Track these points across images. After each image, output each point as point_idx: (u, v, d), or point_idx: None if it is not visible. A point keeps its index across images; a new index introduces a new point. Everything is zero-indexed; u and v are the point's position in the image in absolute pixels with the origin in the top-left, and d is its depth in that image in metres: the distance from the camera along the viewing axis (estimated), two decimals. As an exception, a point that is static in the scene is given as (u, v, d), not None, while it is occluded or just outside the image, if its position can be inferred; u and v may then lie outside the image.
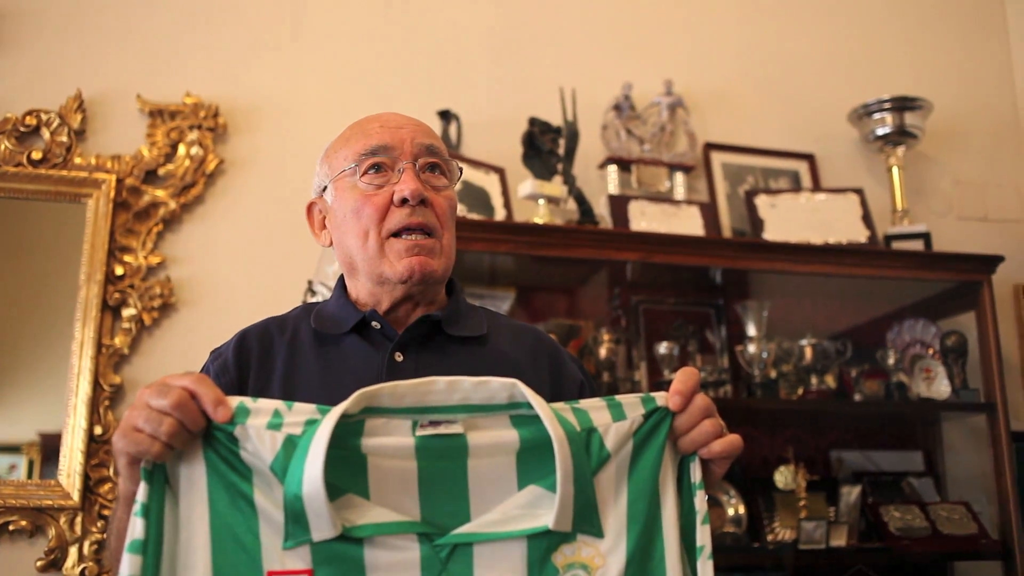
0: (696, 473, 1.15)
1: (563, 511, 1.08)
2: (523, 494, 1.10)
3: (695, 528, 1.13)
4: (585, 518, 1.10)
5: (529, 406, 1.11)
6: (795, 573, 2.96)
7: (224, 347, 1.44)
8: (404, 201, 1.40)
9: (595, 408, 1.14)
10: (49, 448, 2.71)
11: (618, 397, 1.16)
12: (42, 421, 2.75)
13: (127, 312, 2.82)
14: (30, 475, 2.71)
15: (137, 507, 1.04)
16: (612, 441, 1.13)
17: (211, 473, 1.07)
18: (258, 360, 1.41)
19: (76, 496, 2.66)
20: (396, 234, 1.42)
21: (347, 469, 1.07)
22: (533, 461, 1.11)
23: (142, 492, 1.04)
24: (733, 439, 1.16)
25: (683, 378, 1.16)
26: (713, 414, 1.16)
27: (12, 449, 2.74)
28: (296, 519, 1.05)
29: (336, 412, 1.06)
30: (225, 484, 1.07)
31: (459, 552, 1.08)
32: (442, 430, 1.10)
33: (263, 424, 1.07)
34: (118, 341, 2.79)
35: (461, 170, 1.56)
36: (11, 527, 2.63)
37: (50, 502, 2.66)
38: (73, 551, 2.64)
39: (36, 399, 2.79)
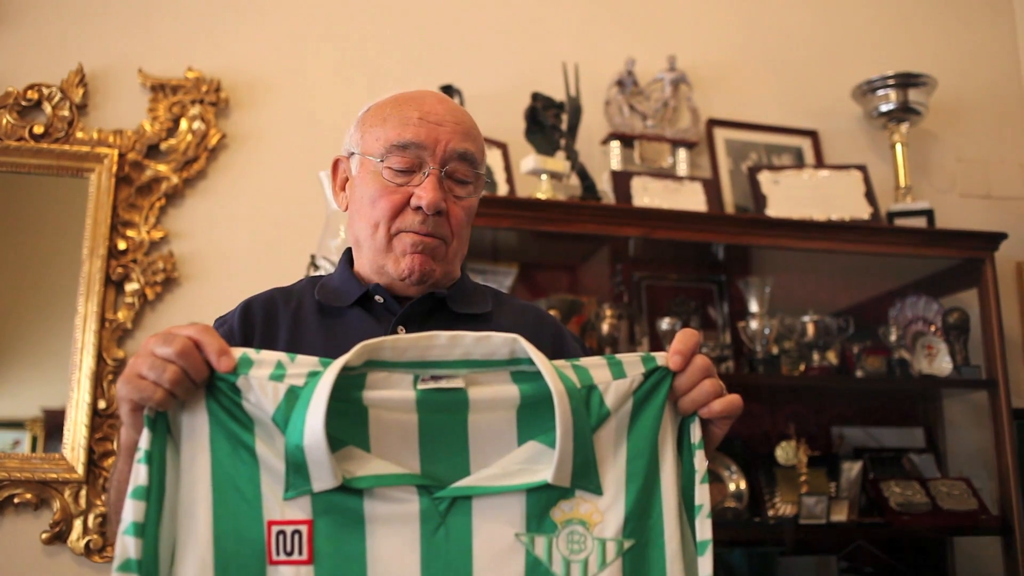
0: (696, 433, 1.16)
1: (562, 466, 1.08)
2: (523, 449, 1.11)
3: (694, 487, 1.13)
4: (584, 474, 1.10)
5: (530, 362, 1.11)
6: (796, 548, 2.98)
7: (229, 315, 1.45)
8: (419, 208, 1.40)
9: (595, 366, 1.15)
10: (52, 424, 2.72)
11: (618, 356, 1.16)
12: (46, 397, 2.76)
13: (130, 287, 2.82)
14: (34, 450, 2.72)
15: (140, 454, 1.04)
16: (612, 399, 1.13)
17: (213, 423, 1.08)
18: (262, 329, 1.41)
19: (80, 469, 2.67)
20: (405, 231, 1.42)
21: (348, 421, 1.08)
22: (533, 416, 1.11)
23: (145, 439, 1.05)
24: (733, 399, 1.16)
25: (683, 338, 1.17)
26: (713, 374, 1.17)
27: (16, 425, 2.75)
28: (297, 469, 1.06)
29: (338, 364, 1.07)
30: (227, 434, 1.08)
31: (458, 505, 1.09)
32: (443, 384, 1.10)
33: (266, 375, 1.08)
34: (121, 315, 2.80)
35: (490, 178, 1.54)
36: (16, 500, 2.64)
37: (55, 475, 2.67)
38: (78, 524, 2.66)
39: (40, 375, 2.79)
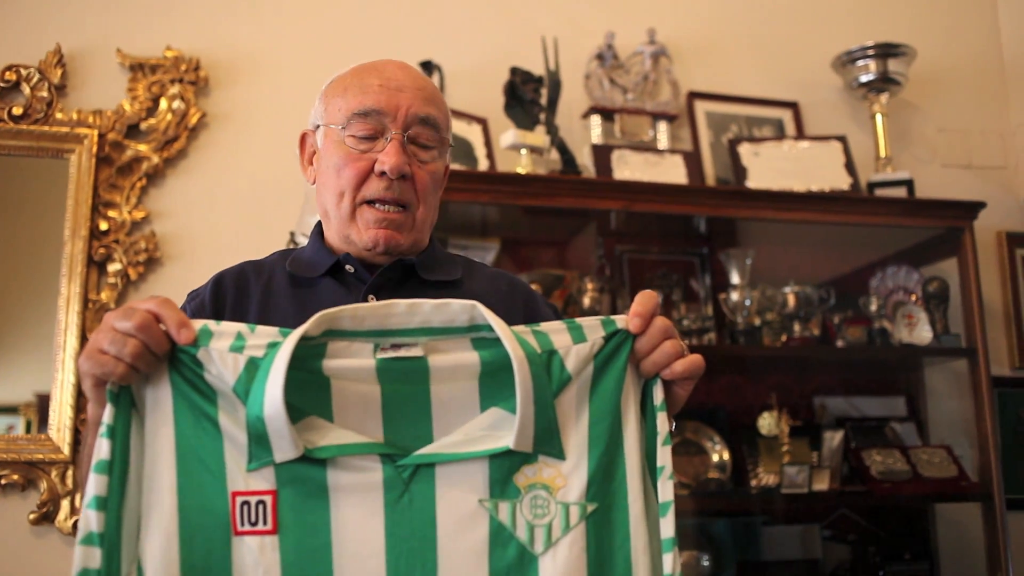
0: (658, 395, 1.15)
1: (523, 432, 1.08)
2: (485, 416, 1.11)
3: (656, 449, 1.13)
4: (546, 440, 1.10)
5: (490, 328, 1.11)
6: (779, 517, 3.01)
7: (201, 289, 1.46)
8: (383, 173, 1.40)
9: (555, 331, 1.14)
10: (45, 409, 2.73)
11: (578, 320, 1.15)
12: (38, 382, 2.76)
13: (112, 267, 2.82)
14: (28, 432, 2.73)
15: (103, 428, 1.05)
16: (573, 363, 1.13)
17: (176, 395, 1.08)
18: (233, 302, 1.42)
19: (66, 450, 2.69)
20: (370, 202, 1.42)
21: (310, 392, 1.08)
22: (495, 383, 1.11)
23: (108, 414, 1.05)
24: (694, 359, 1.15)
25: (642, 300, 1.16)
26: (673, 335, 1.16)
27: (9, 410, 2.75)
28: (259, 440, 1.06)
29: (296, 333, 1.07)
30: (190, 406, 1.08)
31: (422, 473, 1.09)
32: (403, 353, 1.10)
33: (226, 347, 1.08)
34: (104, 296, 2.80)
35: (452, 143, 1.55)
36: (3, 481, 2.65)
37: (41, 456, 2.68)
38: (65, 504, 2.67)
39: (32, 361, 2.79)
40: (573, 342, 1.14)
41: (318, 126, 1.51)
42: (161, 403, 1.08)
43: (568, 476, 1.11)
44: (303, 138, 1.56)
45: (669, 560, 1.09)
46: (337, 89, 1.48)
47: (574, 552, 1.09)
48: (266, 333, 1.09)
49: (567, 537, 1.09)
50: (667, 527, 1.10)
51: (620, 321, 1.16)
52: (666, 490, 1.11)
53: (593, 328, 1.15)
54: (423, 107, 1.44)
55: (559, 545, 1.09)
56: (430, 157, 1.46)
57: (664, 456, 1.13)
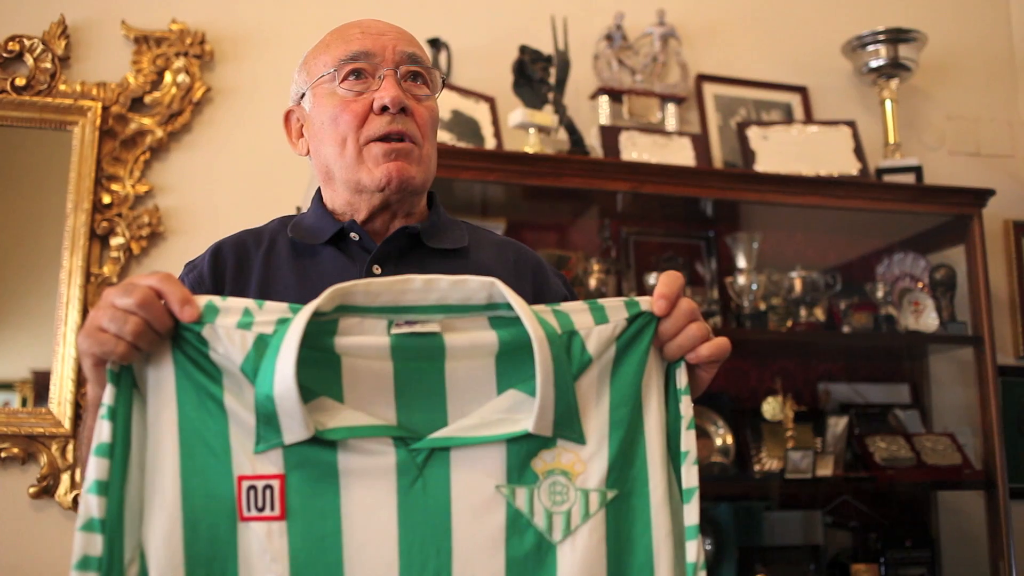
0: (682, 379, 1.12)
1: (543, 415, 1.05)
2: (502, 398, 1.07)
3: (680, 434, 1.10)
4: (566, 423, 1.07)
5: (509, 307, 1.07)
6: (781, 502, 3.01)
7: (199, 259, 1.42)
8: (384, 109, 1.37)
9: (577, 311, 1.10)
10: (41, 385, 2.71)
11: (601, 301, 1.12)
12: (34, 358, 2.75)
13: (115, 241, 2.80)
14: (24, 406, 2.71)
15: (103, 410, 1.01)
16: (594, 345, 1.09)
17: (180, 375, 1.03)
18: (233, 272, 1.38)
19: (67, 424, 2.67)
20: (374, 140, 1.39)
21: (321, 371, 1.04)
22: (513, 364, 1.07)
23: (108, 395, 1.01)
24: (720, 342, 1.12)
25: (667, 281, 1.12)
26: (698, 318, 1.12)
27: (5, 387, 2.73)
28: (267, 421, 1.02)
29: (308, 309, 1.02)
30: (194, 386, 1.03)
31: (436, 457, 1.05)
32: (418, 329, 1.06)
33: (233, 323, 1.03)
34: (107, 270, 2.78)
35: (444, 80, 1.53)
36: (3, 454, 2.63)
37: (41, 430, 2.66)
38: (65, 478, 2.66)
39: (28, 337, 2.77)
40: (595, 323, 1.10)
41: (303, 94, 1.48)
42: (164, 383, 1.04)
43: (588, 462, 1.07)
44: (287, 116, 1.53)
45: (693, 548, 1.06)
46: (318, 50, 1.47)
47: (593, 540, 1.06)
48: (275, 309, 1.05)
49: (586, 525, 1.06)
50: (691, 514, 1.07)
51: (644, 303, 1.12)
52: (690, 476, 1.08)
53: (616, 309, 1.11)
54: (408, 46, 1.43)
55: (578, 533, 1.06)
56: (424, 94, 1.44)
57: (688, 441, 1.09)
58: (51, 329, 2.72)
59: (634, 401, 1.10)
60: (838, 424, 2.99)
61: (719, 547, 2.84)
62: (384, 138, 1.38)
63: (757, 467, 2.95)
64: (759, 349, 3.16)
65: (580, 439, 1.08)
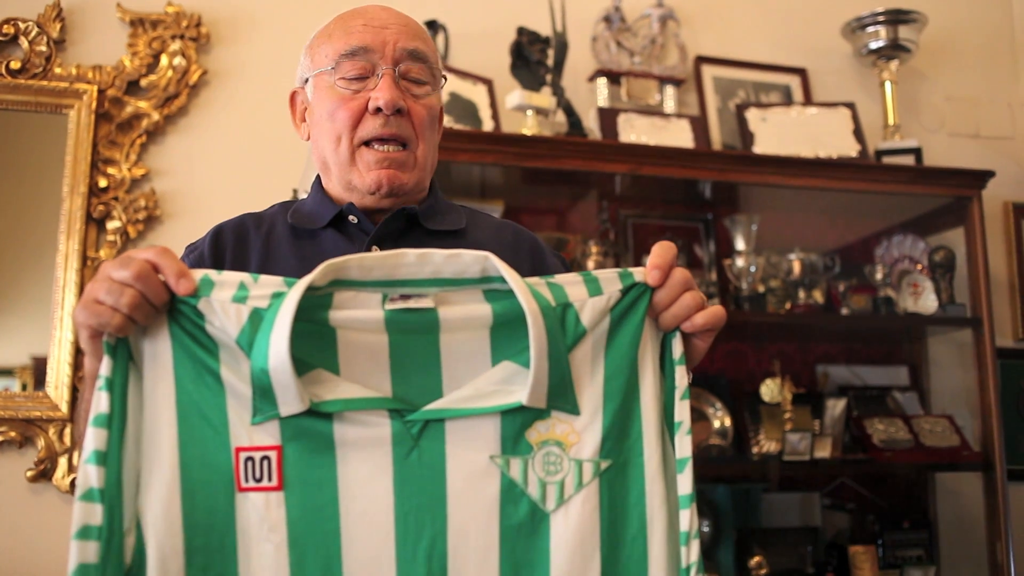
0: (677, 348, 1.12)
1: (537, 387, 1.05)
2: (496, 370, 1.08)
3: (674, 403, 1.10)
4: (560, 395, 1.07)
5: (502, 280, 1.07)
6: (779, 484, 3.01)
7: (200, 241, 1.43)
8: (379, 110, 1.37)
9: (571, 283, 1.10)
10: (41, 371, 2.71)
11: (595, 272, 1.11)
12: (34, 344, 2.74)
13: (112, 224, 2.79)
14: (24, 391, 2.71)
15: (101, 381, 1.01)
16: (588, 317, 1.09)
17: (176, 348, 1.04)
18: (233, 254, 1.39)
19: (64, 408, 2.67)
20: (368, 143, 1.39)
21: (316, 343, 1.05)
22: (507, 336, 1.08)
23: (105, 366, 1.02)
24: (716, 310, 1.12)
25: (660, 252, 1.12)
26: (693, 287, 1.12)
27: (5, 372, 2.73)
28: (263, 394, 1.03)
29: (303, 283, 1.03)
30: (191, 359, 1.04)
31: (431, 428, 1.06)
32: (412, 304, 1.07)
33: (228, 297, 1.04)
34: (103, 253, 2.77)
35: (446, 77, 1.52)
36: (0, 438, 2.63)
37: (39, 413, 2.66)
38: (63, 462, 2.66)
39: (25, 322, 2.76)
40: (589, 295, 1.10)
41: (307, 80, 1.47)
42: (160, 356, 1.04)
43: (582, 432, 1.08)
44: (293, 96, 1.53)
45: (686, 517, 1.07)
46: (321, 38, 1.46)
47: (587, 509, 1.07)
48: (270, 283, 1.05)
49: (580, 494, 1.07)
50: (684, 483, 1.08)
51: (638, 274, 1.12)
52: (684, 445, 1.09)
53: (610, 281, 1.11)
54: (410, 41, 1.41)
55: (571, 502, 1.07)
56: (424, 92, 1.43)
57: (682, 411, 1.10)
58: (48, 313, 2.72)
59: (629, 372, 1.10)
60: (836, 406, 2.99)
61: (717, 529, 2.85)
62: (378, 140, 1.39)
63: (755, 449, 2.95)
64: (758, 331, 3.15)
65: (574, 410, 1.08)
